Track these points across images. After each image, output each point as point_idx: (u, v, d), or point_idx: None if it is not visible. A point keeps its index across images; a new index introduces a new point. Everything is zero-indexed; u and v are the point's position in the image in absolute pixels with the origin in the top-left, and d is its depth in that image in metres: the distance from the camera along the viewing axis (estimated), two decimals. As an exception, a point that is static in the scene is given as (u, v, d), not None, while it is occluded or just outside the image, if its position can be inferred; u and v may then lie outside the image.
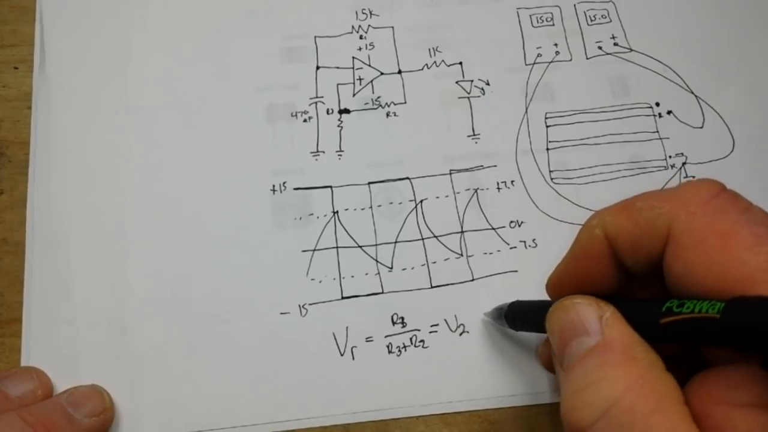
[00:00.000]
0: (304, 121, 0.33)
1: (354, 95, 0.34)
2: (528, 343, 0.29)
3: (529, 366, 0.29)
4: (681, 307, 0.18)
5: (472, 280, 0.31)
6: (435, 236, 0.31)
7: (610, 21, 0.35)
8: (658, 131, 0.33)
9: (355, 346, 0.29)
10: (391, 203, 0.32)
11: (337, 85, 0.34)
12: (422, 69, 0.34)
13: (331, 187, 0.32)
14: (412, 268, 0.31)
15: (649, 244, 0.20)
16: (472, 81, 0.34)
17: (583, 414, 0.19)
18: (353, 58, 0.34)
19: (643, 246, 0.20)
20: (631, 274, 0.22)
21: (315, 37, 0.34)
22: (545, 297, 0.28)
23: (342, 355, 0.29)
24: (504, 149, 0.33)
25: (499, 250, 0.31)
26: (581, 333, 0.20)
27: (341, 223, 0.31)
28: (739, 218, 0.19)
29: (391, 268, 0.31)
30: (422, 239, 0.31)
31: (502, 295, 0.30)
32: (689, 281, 0.19)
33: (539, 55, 0.35)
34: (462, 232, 0.31)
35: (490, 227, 0.31)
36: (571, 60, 0.35)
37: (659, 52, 0.35)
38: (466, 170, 0.32)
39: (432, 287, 0.30)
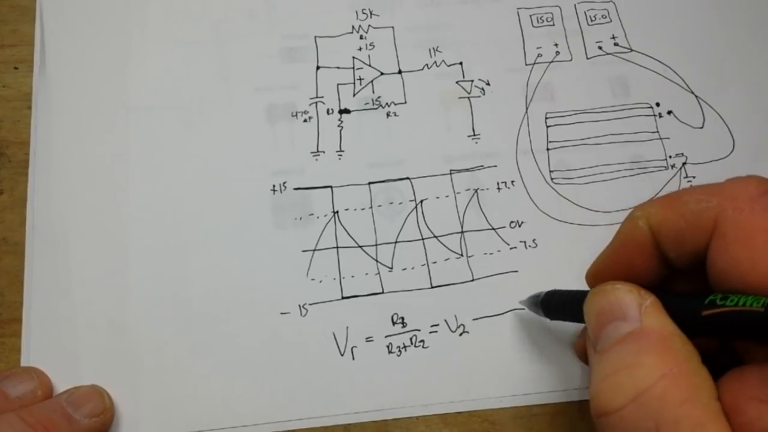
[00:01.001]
0: (305, 121, 0.33)
1: (354, 95, 0.34)
2: (528, 343, 0.29)
3: (529, 366, 0.29)
4: (725, 300, 0.18)
5: (472, 280, 0.31)
6: (435, 236, 0.31)
7: (611, 21, 0.35)
8: (658, 131, 0.33)
9: (355, 346, 0.29)
10: (392, 203, 0.32)
11: (338, 85, 0.34)
12: (422, 69, 0.34)
13: (331, 187, 0.32)
14: (412, 268, 0.31)
15: (693, 237, 0.20)
16: (472, 81, 0.34)
17: (613, 397, 0.19)
18: (353, 58, 0.34)
19: (687, 239, 0.20)
20: (673, 268, 0.22)
21: (315, 37, 0.34)
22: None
23: (342, 355, 0.29)
24: (504, 149, 0.33)
25: (499, 250, 0.31)
26: (619, 318, 0.20)
27: (341, 223, 0.31)
28: None
29: (391, 268, 0.31)
30: (422, 239, 0.31)
31: (503, 296, 0.30)
32: (733, 277, 0.19)
33: (539, 55, 0.35)
34: (462, 232, 0.31)
35: (490, 227, 0.31)
36: (571, 60, 0.35)
37: (659, 52, 0.35)
38: (467, 170, 0.32)
39: (432, 287, 0.30)
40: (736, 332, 0.18)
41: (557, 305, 0.26)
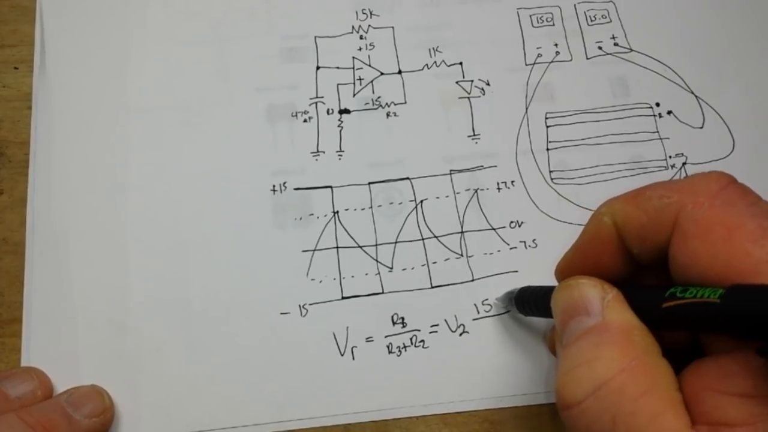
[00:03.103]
0: (305, 121, 0.33)
1: (354, 95, 0.34)
2: (528, 343, 0.29)
3: (529, 366, 0.29)
4: (684, 293, 0.18)
5: (472, 280, 0.31)
6: (435, 236, 0.31)
7: (610, 21, 0.35)
8: (658, 131, 0.33)
9: (355, 346, 0.29)
10: (392, 203, 0.32)
11: (338, 85, 0.34)
12: (422, 69, 0.34)
13: (331, 187, 0.32)
14: (412, 268, 0.31)
15: (656, 233, 0.20)
16: (472, 81, 0.34)
17: (574, 391, 0.19)
18: (353, 58, 0.34)
19: (650, 235, 0.20)
20: (639, 263, 0.22)
21: (315, 37, 0.34)
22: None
23: (342, 355, 0.29)
24: (504, 149, 0.33)
25: (499, 251, 0.31)
26: (582, 312, 0.20)
27: (341, 223, 0.31)
28: (746, 211, 0.19)
29: (391, 268, 0.31)
30: (422, 239, 0.31)
31: (502, 295, 0.30)
32: (693, 271, 0.19)
33: (539, 55, 0.35)
34: (462, 232, 0.31)
35: (490, 227, 0.31)
36: (571, 60, 0.35)
37: (659, 52, 0.35)
38: (467, 170, 0.32)
39: (432, 287, 0.30)
40: (695, 323, 0.19)
41: (529, 301, 0.26)
